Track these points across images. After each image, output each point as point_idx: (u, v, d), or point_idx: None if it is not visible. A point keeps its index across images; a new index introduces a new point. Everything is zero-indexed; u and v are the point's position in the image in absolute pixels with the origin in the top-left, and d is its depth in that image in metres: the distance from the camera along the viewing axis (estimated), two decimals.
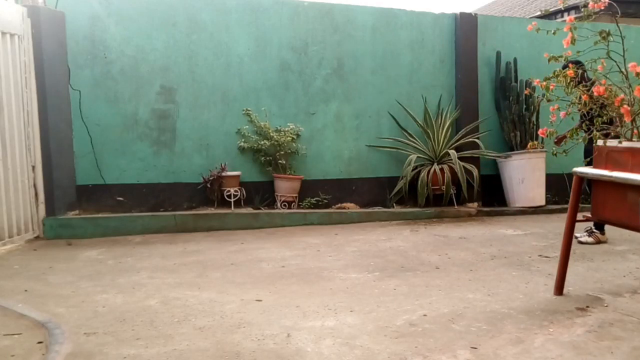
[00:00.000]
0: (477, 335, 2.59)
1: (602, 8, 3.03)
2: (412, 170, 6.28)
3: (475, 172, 6.32)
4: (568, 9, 9.51)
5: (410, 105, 6.58)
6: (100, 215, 5.45)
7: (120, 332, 2.66)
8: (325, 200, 6.26)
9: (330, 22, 6.29)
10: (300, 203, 6.11)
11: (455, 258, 4.21)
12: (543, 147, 6.33)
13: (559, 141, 4.22)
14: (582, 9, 3.14)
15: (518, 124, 6.72)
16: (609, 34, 3.00)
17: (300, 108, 6.23)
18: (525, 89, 6.51)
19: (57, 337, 2.58)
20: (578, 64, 3.29)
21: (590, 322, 2.75)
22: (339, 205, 6.29)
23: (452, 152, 6.27)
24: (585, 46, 3.03)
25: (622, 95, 2.88)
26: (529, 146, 6.46)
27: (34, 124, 5.03)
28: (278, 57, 6.13)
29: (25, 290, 3.42)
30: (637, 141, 2.80)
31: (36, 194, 5.07)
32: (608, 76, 3.02)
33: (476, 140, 6.55)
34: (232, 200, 5.73)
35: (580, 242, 4.60)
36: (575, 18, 3.12)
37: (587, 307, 2.98)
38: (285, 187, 5.96)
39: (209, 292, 3.36)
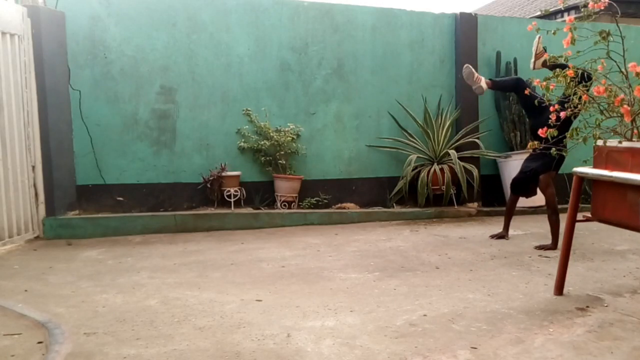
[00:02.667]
0: (477, 335, 2.59)
1: (602, 8, 3.03)
2: (412, 170, 6.28)
3: (475, 172, 6.32)
4: (568, 9, 9.51)
5: (410, 105, 6.58)
6: (100, 215, 5.45)
7: (120, 332, 2.66)
8: (325, 200, 6.26)
9: (330, 22, 6.29)
10: (300, 203, 6.11)
11: (455, 258, 4.21)
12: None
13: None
14: (582, 9, 3.14)
15: (518, 124, 6.72)
16: (609, 34, 3.00)
17: (300, 108, 6.23)
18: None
19: (57, 337, 2.58)
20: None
21: (590, 322, 2.75)
22: (339, 205, 6.29)
23: (452, 152, 6.27)
24: (585, 46, 3.03)
25: (622, 95, 2.87)
26: (529, 146, 6.46)
27: (34, 124, 5.03)
28: (278, 57, 6.13)
29: (25, 290, 3.42)
30: (637, 141, 2.80)
31: (36, 194, 5.07)
32: (608, 76, 3.02)
33: (476, 140, 6.55)
34: (232, 200, 5.73)
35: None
36: (575, 18, 3.12)
37: (587, 307, 2.98)
38: (285, 187, 5.96)
39: (209, 292, 3.36)
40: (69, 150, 5.45)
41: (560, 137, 4.35)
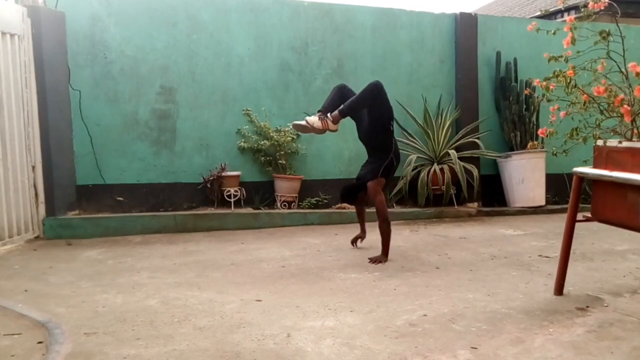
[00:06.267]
0: (477, 335, 2.59)
1: (602, 8, 3.03)
2: (412, 170, 6.28)
3: (475, 172, 6.32)
4: (568, 9, 9.51)
5: (410, 105, 6.58)
6: (100, 215, 5.45)
7: (120, 332, 2.66)
8: (325, 200, 6.25)
9: (330, 22, 6.30)
10: (300, 203, 6.11)
11: (455, 258, 4.21)
12: (543, 147, 6.36)
13: None
14: (582, 9, 3.14)
15: (518, 124, 6.72)
16: (609, 34, 3.00)
17: (300, 108, 6.22)
18: (525, 89, 6.51)
19: (57, 337, 2.58)
20: None
21: (590, 322, 2.75)
22: (339, 205, 6.28)
23: (452, 152, 6.27)
24: (585, 46, 3.03)
25: (622, 95, 2.88)
26: (529, 146, 6.49)
27: (34, 123, 5.03)
28: (278, 57, 6.14)
29: (26, 290, 3.42)
30: (637, 141, 2.80)
31: (36, 194, 5.07)
32: (608, 76, 3.02)
33: (476, 140, 6.55)
34: (232, 200, 5.73)
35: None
36: (575, 18, 3.12)
37: (587, 307, 2.98)
38: (285, 187, 5.96)
39: (209, 292, 3.36)
40: (69, 150, 5.45)
41: (381, 143, 4.27)
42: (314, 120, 4.07)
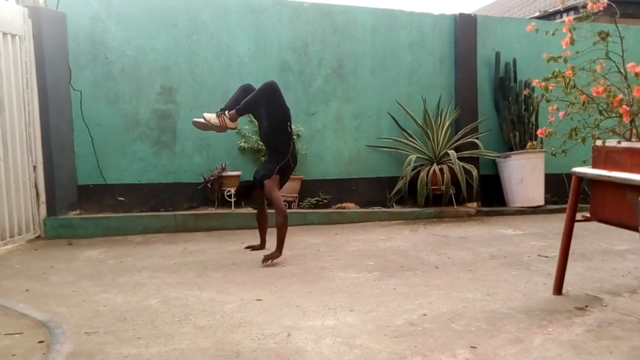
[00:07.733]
0: (476, 334, 2.60)
1: (601, 9, 3.04)
2: (412, 170, 6.29)
3: (474, 172, 6.32)
4: (567, 10, 9.52)
5: (410, 105, 6.60)
6: (101, 215, 5.46)
7: (121, 332, 2.67)
8: (325, 200, 6.26)
9: (331, 23, 6.31)
10: (300, 203, 6.12)
11: (455, 258, 4.22)
12: (542, 147, 6.37)
13: None
14: (581, 10, 3.15)
15: (517, 124, 6.74)
16: (608, 34, 3.01)
17: (300, 108, 6.24)
18: (525, 89, 6.53)
19: (58, 336, 2.59)
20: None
21: (589, 321, 2.76)
22: (339, 205, 6.30)
23: (451, 152, 6.28)
24: (584, 46, 3.04)
25: (620, 96, 2.89)
26: (528, 146, 6.50)
27: (35, 124, 5.05)
28: (278, 58, 6.15)
29: (27, 290, 3.43)
30: (636, 141, 2.81)
31: (37, 194, 5.08)
32: (607, 76, 3.03)
33: (475, 140, 6.56)
34: (233, 200, 5.74)
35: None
36: (574, 19, 3.13)
37: (586, 306, 2.99)
38: (285, 187, 5.92)
39: (210, 291, 3.37)
40: (70, 150, 5.47)
41: (279, 144, 4.23)
42: (211, 117, 4.12)
